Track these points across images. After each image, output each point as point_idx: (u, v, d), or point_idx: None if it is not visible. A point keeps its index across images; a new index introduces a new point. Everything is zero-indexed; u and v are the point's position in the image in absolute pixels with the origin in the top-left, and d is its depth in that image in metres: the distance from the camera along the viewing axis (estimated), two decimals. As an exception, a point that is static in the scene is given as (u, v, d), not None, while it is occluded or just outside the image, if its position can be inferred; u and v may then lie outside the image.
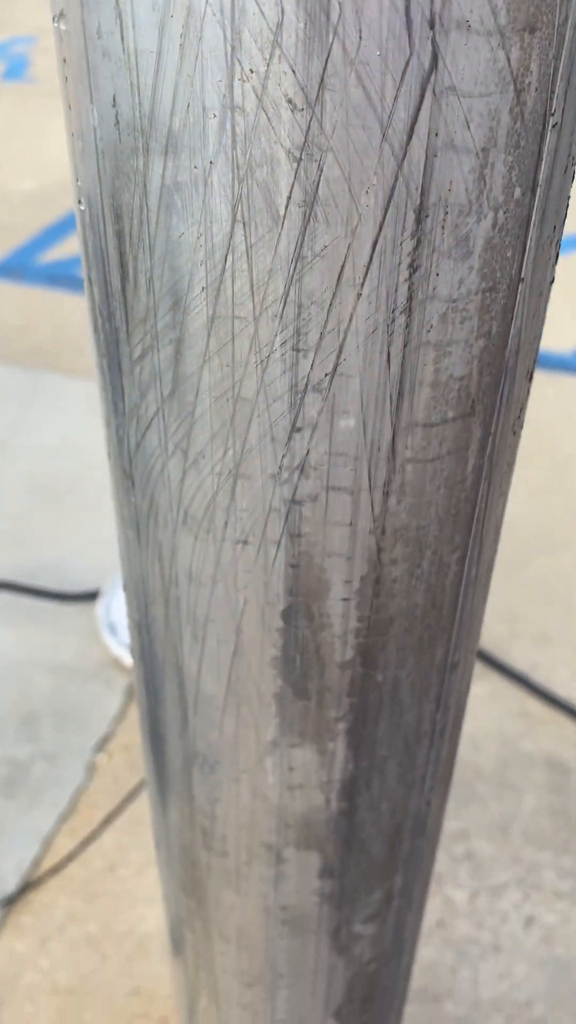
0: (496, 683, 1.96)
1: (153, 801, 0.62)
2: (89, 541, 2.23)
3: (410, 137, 0.32)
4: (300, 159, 0.33)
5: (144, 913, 1.62)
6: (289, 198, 0.33)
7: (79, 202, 0.40)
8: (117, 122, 0.35)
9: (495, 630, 2.09)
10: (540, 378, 2.66)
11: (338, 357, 0.36)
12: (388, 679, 0.48)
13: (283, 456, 0.40)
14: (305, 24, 0.30)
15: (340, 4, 0.30)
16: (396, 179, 0.33)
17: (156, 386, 0.40)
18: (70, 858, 1.68)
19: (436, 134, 0.33)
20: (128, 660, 1.95)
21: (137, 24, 0.32)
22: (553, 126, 0.35)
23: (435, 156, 0.33)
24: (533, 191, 0.35)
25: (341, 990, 0.65)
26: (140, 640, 0.53)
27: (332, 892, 0.58)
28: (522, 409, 0.44)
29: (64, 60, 0.37)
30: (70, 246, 3.28)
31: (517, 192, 0.35)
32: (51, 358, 2.77)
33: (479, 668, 1.97)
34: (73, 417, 2.60)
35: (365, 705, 0.49)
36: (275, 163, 0.33)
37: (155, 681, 0.53)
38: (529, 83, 0.33)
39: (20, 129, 4.27)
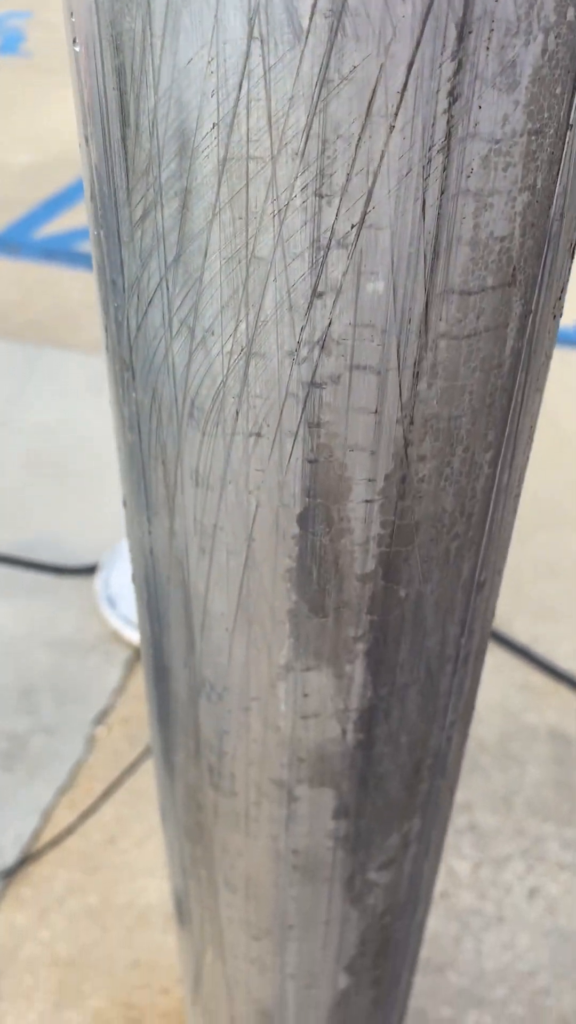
0: (498, 656, 1.92)
1: (156, 741, 0.58)
2: (87, 516, 2.18)
3: None
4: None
5: (145, 885, 1.58)
6: (314, 7, 0.29)
7: (73, 43, 0.35)
8: None
9: (498, 604, 2.04)
10: (541, 354, 2.62)
11: (367, 204, 0.32)
12: (411, 595, 0.44)
13: (302, 328, 0.35)
14: None
15: None
16: (436, -16, 0.28)
17: (159, 252, 0.36)
18: (70, 831, 1.63)
19: None
20: (127, 634, 1.90)
21: None
22: None
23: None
24: (588, 13, 0.31)
25: (354, 943, 0.61)
26: (143, 560, 0.48)
27: (347, 834, 0.53)
28: (563, 291, 0.39)
29: None
30: (67, 220, 3.23)
31: (571, 13, 0.30)
32: (49, 332, 2.72)
33: (481, 641, 1.92)
34: (71, 391, 2.56)
35: (386, 624, 0.44)
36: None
37: (159, 604, 0.49)
38: None
39: (15, 103, 4.20)
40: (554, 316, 0.39)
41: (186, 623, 0.47)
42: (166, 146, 0.33)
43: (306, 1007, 0.64)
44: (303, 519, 0.40)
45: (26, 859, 1.60)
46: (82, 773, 1.74)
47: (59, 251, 3.04)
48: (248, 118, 0.31)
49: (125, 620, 1.92)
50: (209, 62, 0.31)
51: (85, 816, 1.66)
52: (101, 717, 1.81)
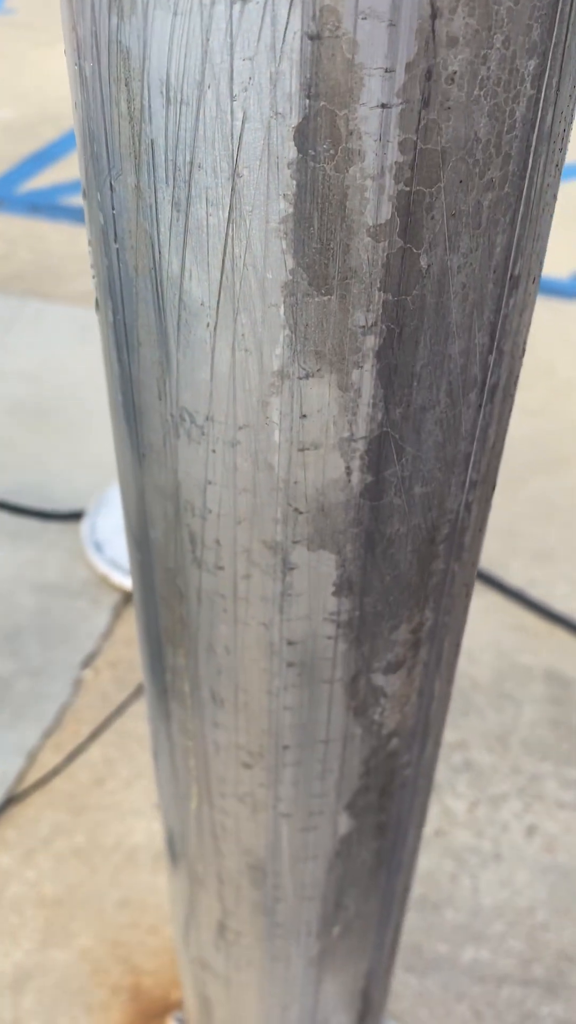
0: (492, 598, 1.83)
1: (129, 517, 0.48)
2: (73, 463, 2.09)
3: None
4: None
5: (133, 825, 1.47)
6: None
7: None
8: None
9: (492, 547, 1.95)
10: (537, 303, 2.54)
11: None
12: (435, 267, 0.34)
13: None
14: None
15: None
16: None
17: None
18: (55, 772, 1.53)
19: None
20: (116, 578, 1.80)
21: None
22: None
23: None
24: None
25: (357, 772, 0.51)
26: (104, 264, 0.39)
27: (349, 619, 0.44)
28: None
29: None
30: (51, 175, 3.16)
31: None
32: (32, 283, 2.64)
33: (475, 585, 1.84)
34: (54, 341, 2.47)
35: (402, 309, 0.35)
36: None
37: (127, 317, 0.39)
38: None
39: (-3, 58, 4.13)
40: None
41: (159, 330, 0.37)
42: None
43: (302, 858, 0.54)
44: (302, 135, 0.31)
45: (10, 800, 1.50)
46: (68, 715, 1.63)
47: (43, 205, 2.97)
48: None
49: (113, 564, 1.82)
50: None
51: (72, 757, 1.55)
52: (88, 660, 1.70)
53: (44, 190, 3.06)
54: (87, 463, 2.07)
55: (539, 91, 0.33)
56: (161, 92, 0.32)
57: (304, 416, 0.37)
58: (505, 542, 1.94)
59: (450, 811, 1.55)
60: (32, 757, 1.59)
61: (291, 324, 0.35)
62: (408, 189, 0.32)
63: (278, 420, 0.38)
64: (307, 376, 0.36)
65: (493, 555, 1.91)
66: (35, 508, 1.93)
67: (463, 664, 1.73)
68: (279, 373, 0.36)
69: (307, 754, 0.49)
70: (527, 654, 1.77)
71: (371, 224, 0.33)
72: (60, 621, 1.82)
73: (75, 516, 1.94)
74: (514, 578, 1.87)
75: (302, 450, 0.38)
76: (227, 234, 0.33)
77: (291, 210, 0.32)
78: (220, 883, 0.57)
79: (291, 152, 0.31)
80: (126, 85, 0.32)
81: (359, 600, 0.43)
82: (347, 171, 0.32)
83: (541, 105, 0.33)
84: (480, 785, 1.58)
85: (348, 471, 0.39)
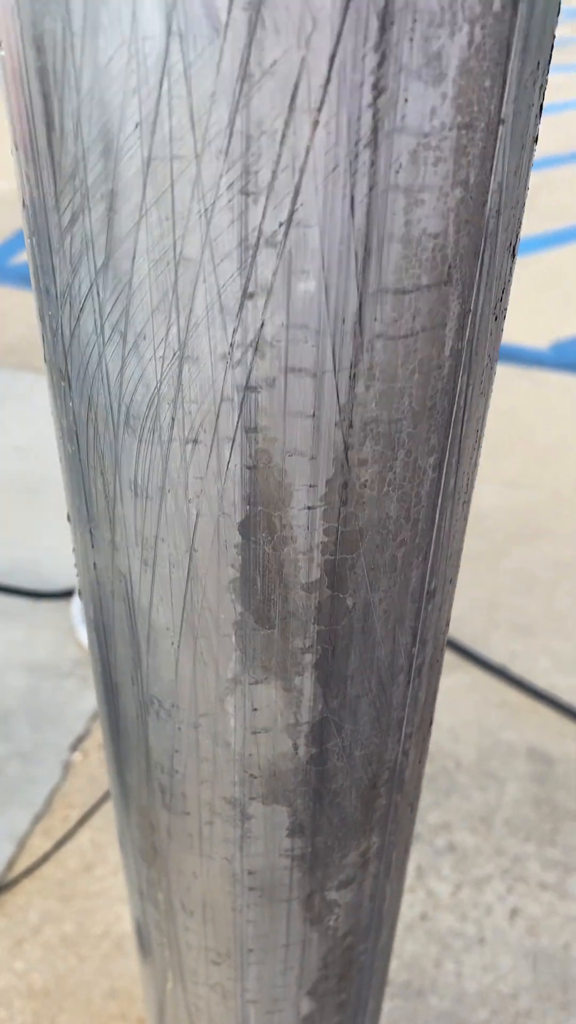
0: (475, 674, 1.90)
1: (110, 761, 0.56)
2: (64, 539, 2.16)
3: None
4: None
5: (121, 912, 1.54)
6: (232, 0, 0.28)
7: (-2, 47, 0.34)
8: None
9: (474, 620, 2.04)
10: (516, 372, 2.63)
11: (294, 202, 0.31)
12: (359, 604, 0.43)
13: (234, 330, 0.34)
14: None
15: None
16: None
17: (88, 256, 0.35)
18: (45, 858, 1.60)
19: None
20: (104, 656, 1.88)
21: None
22: None
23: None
24: (515, 7, 0.30)
25: (316, 966, 0.59)
26: (88, 575, 0.47)
27: (303, 853, 0.52)
28: (504, 291, 0.39)
29: None
30: None
31: (497, 4, 0.30)
32: (25, 356, 2.71)
33: (457, 660, 1.91)
34: (46, 415, 2.55)
35: (334, 634, 0.43)
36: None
37: (105, 619, 0.47)
38: None
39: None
40: (495, 317, 0.39)
41: (132, 638, 0.46)
42: (90, 148, 0.32)
43: (270, 1034, 0.61)
44: (245, 527, 0.39)
45: (1, 889, 1.56)
46: (58, 799, 1.70)
47: (36, 277, 3.05)
48: (170, 117, 0.30)
49: (102, 644, 1.89)
50: (129, 60, 0.30)
51: (61, 843, 1.62)
52: (77, 743, 1.78)
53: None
54: (76, 540, 2.14)
55: (440, 472, 0.41)
56: (130, 487, 0.40)
57: (255, 709, 0.45)
58: (487, 615, 2.02)
59: (434, 894, 1.62)
60: (22, 844, 1.66)
61: (241, 648, 0.43)
62: (333, 558, 0.40)
63: (233, 712, 0.46)
64: (256, 683, 0.44)
65: (476, 629, 2.00)
66: (26, 588, 2.00)
67: (447, 743, 1.81)
68: (233, 680, 0.44)
69: (269, 955, 0.56)
70: (510, 730, 1.85)
71: (304, 582, 0.41)
72: (50, 702, 1.89)
73: (65, 594, 2.01)
74: (496, 652, 1.95)
75: (255, 733, 0.46)
76: (186, 588, 0.41)
77: (238, 575, 0.41)
78: (197, 1049, 0.64)
79: (237, 538, 0.39)
80: (101, 473, 0.41)
81: (311, 839, 0.51)
82: (283, 550, 0.40)
83: (443, 480, 0.41)
84: (464, 868, 1.65)
85: (295, 746, 0.47)
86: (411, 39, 0.29)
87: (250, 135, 0.30)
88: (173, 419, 0.37)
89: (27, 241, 0.39)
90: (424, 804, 1.77)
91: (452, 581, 0.48)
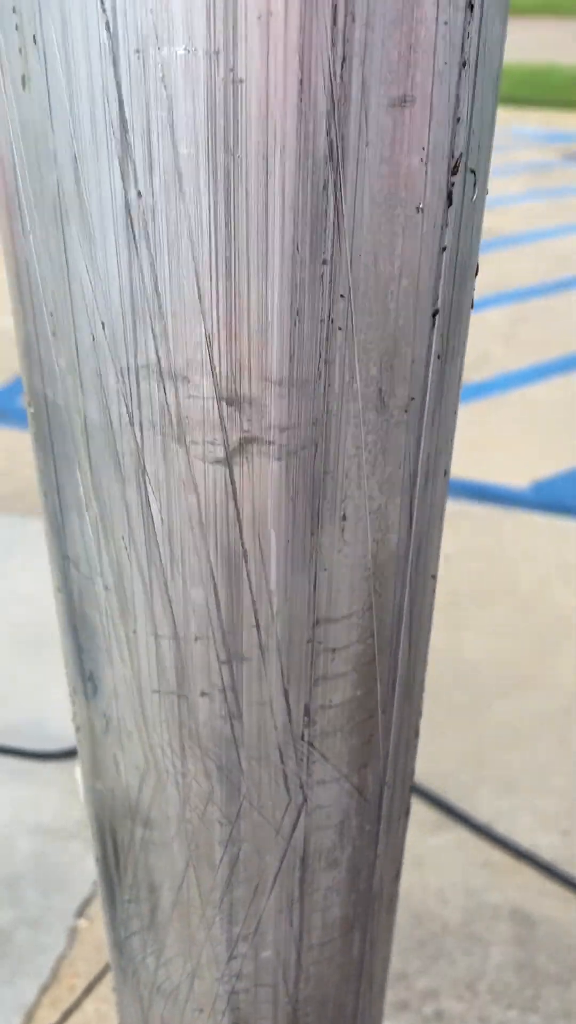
0: (460, 834, 2.03)
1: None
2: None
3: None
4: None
5: None
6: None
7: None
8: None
9: (460, 776, 2.17)
10: (498, 514, 2.78)
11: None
12: None
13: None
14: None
15: None
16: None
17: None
18: (52, 1029, 1.71)
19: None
20: (107, 822, 2.01)
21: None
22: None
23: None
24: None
25: None
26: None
27: None
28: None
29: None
30: None
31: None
32: (34, 502, 2.86)
33: (444, 820, 2.04)
34: (54, 565, 2.68)
35: None
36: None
37: None
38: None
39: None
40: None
41: None
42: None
43: None
44: None
45: (10, 1063, 1.67)
46: (64, 967, 1.82)
47: (42, 421, 3.20)
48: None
49: (105, 805, 2.02)
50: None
51: (67, 1015, 1.74)
52: (83, 908, 1.90)
53: (40, 397, 3.30)
54: (80, 698, 2.27)
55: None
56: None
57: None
58: (472, 771, 2.16)
59: (422, 1063, 1.73)
60: (29, 1015, 1.78)
61: None
62: None
63: None
64: None
65: (462, 785, 2.13)
66: (33, 750, 2.14)
67: (436, 906, 1.93)
68: None
69: None
70: (494, 892, 1.97)
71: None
72: (56, 865, 2.02)
73: (71, 753, 2.15)
74: (481, 810, 2.08)
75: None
76: None
77: None
78: None
79: None
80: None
81: None
82: None
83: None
84: (449, 1035, 1.76)
85: None
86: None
87: None
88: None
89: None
90: (412, 969, 1.89)
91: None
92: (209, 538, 0.36)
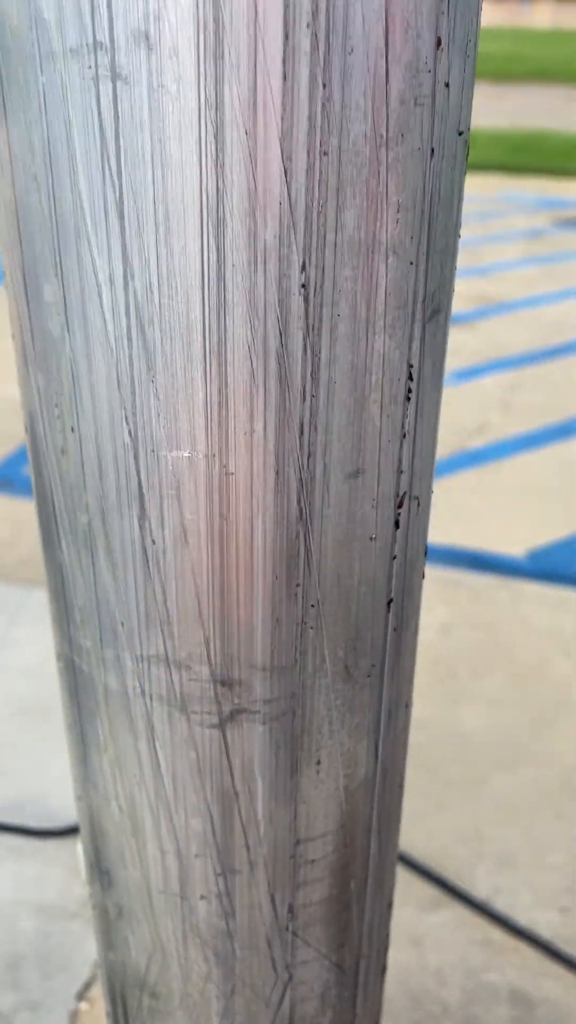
0: (459, 912, 2.09)
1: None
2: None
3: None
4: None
5: None
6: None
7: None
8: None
9: (459, 853, 2.23)
10: (494, 583, 2.86)
11: None
12: None
13: None
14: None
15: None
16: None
17: None
18: None
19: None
20: (109, 902, 2.07)
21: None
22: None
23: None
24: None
25: None
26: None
27: None
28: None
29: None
30: None
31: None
32: (39, 570, 2.95)
33: (443, 897, 2.10)
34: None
35: None
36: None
37: None
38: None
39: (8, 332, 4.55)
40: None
41: None
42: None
43: None
44: None
45: None
46: (65, 1052, 1.87)
47: (46, 488, 3.29)
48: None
49: (107, 884, 2.08)
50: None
51: None
52: (83, 991, 1.95)
53: (45, 466, 3.38)
54: (82, 775, 2.34)
55: None
56: None
57: None
58: (471, 847, 2.22)
59: None
60: None
61: None
62: None
63: None
64: None
65: (461, 862, 2.19)
66: (35, 828, 2.21)
67: (434, 987, 1.99)
68: None
69: None
70: (493, 972, 2.03)
71: None
72: (58, 946, 2.08)
73: (74, 830, 2.22)
74: (480, 886, 2.14)
75: None
76: None
77: None
78: None
79: None
80: None
81: None
82: None
83: None
84: None
85: None
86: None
87: None
88: None
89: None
90: (412, 1052, 1.94)
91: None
92: (207, 783, 0.44)
